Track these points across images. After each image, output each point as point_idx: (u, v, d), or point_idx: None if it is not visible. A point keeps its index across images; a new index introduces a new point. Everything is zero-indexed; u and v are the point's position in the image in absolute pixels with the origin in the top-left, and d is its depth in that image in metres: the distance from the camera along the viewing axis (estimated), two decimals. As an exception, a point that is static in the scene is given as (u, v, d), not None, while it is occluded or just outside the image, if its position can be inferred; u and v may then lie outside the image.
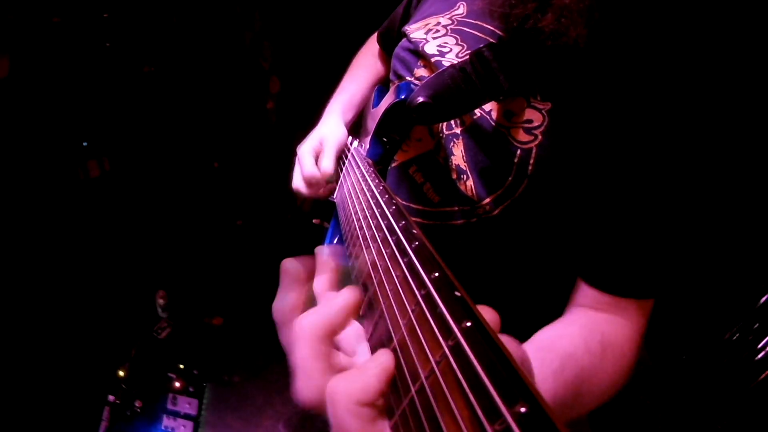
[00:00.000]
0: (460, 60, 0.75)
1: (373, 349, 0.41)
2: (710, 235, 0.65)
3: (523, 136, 0.68)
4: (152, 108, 2.64)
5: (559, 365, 0.61)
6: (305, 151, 0.99)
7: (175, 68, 2.67)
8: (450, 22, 0.84)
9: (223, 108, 2.94)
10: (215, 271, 2.87)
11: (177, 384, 2.35)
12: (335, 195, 0.94)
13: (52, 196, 2.21)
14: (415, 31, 0.89)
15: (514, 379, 0.24)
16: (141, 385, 2.30)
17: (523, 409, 0.22)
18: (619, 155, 0.64)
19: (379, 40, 1.22)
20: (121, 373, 2.28)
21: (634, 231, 0.66)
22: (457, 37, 0.81)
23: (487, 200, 0.72)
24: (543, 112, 0.67)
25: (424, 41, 0.85)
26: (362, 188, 0.64)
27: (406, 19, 1.03)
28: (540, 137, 0.67)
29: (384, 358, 0.35)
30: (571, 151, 0.66)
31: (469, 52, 0.74)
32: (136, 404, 2.22)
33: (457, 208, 0.77)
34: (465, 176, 0.75)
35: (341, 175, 0.93)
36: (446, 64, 0.77)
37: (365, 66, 1.22)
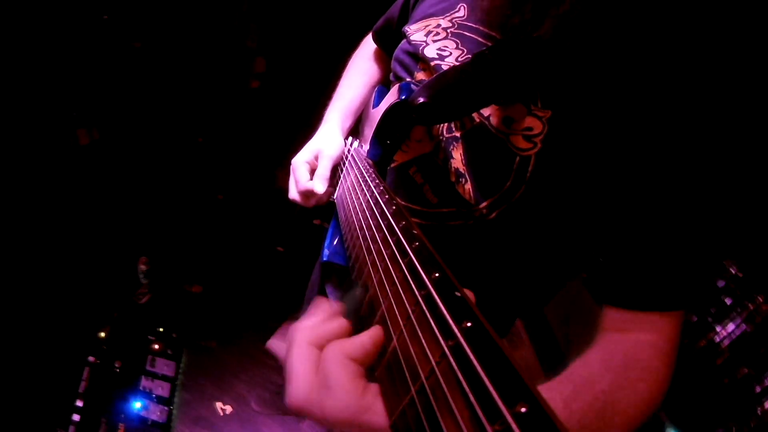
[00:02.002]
0: (460, 63, 0.73)
1: None
2: (720, 239, 0.60)
3: (522, 144, 0.65)
4: (142, 82, 2.56)
5: (573, 391, 0.56)
6: (300, 163, 0.94)
7: (163, 45, 2.58)
8: (450, 24, 0.80)
9: (209, 85, 2.86)
10: (196, 241, 2.83)
11: (156, 346, 2.31)
12: (335, 195, 0.91)
13: (42, 162, 2.13)
14: (415, 33, 0.84)
15: (514, 380, 0.23)
16: (121, 347, 2.25)
17: (523, 410, 0.21)
18: (621, 163, 0.60)
19: (376, 38, 1.15)
20: (102, 335, 2.22)
21: (643, 241, 0.61)
22: (458, 41, 0.77)
23: (484, 204, 0.70)
24: (543, 120, 0.64)
25: (424, 44, 0.81)
26: (362, 189, 0.62)
27: (405, 18, 0.98)
28: (539, 145, 0.64)
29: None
30: (570, 159, 0.63)
31: (469, 56, 0.72)
32: (116, 365, 2.18)
33: (454, 210, 0.75)
34: (464, 179, 0.72)
35: (341, 176, 0.90)
36: (446, 68, 0.74)
37: (361, 70, 1.15)
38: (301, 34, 2.54)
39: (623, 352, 0.61)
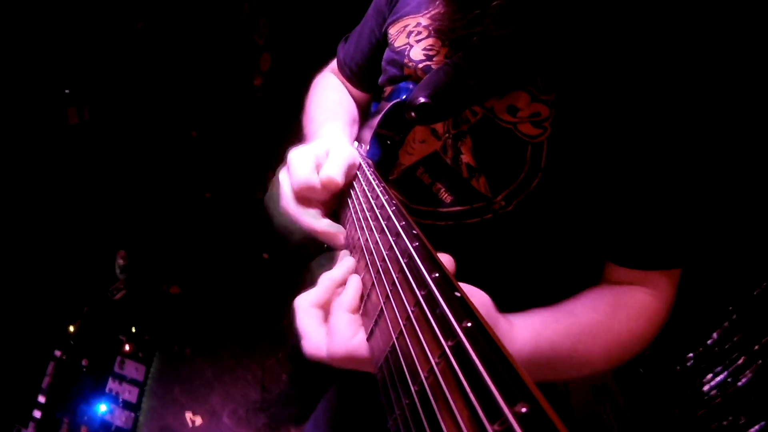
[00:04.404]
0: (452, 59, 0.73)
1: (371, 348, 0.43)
2: (721, 208, 0.67)
3: (531, 130, 0.67)
4: (140, 66, 2.56)
5: (552, 316, 0.64)
6: (302, 154, 0.68)
7: (167, 30, 2.60)
8: (431, 21, 0.80)
9: (210, 78, 2.87)
10: (178, 240, 2.80)
11: (127, 347, 2.26)
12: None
13: (24, 138, 2.11)
14: (397, 38, 0.85)
15: (515, 379, 0.24)
16: (90, 344, 2.19)
17: (524, 409, 0.22)
18: (628, 135, 0.63)
19: (345, 70, 1.08)
20: (71, 329, 2.17)
21: (651, 206, 0.66)
22: (443, 38, 0.77)
23: (501, 196, 0.71)
24: (548, 103, 0.65)
25: (408, 47, 0.82)
26: (362, 188, 0.63)
27: (381, 24, 0.95)
28: (549, 129, 0.66)
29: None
30: (581, 138, 0.65)
31: (457, 52, 0.73)
32: (83, 363, 2.13)
33: (471, 207, 0.75)
34: (477, 174, 0.73)
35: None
36: (437, 68, 0.75)
37: (340, 89, 1.09)
38: (311, 35, 2.55)
39: (614, 296, 0.70)
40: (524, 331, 0.58)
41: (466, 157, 0.74)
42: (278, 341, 2.52)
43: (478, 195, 0.74)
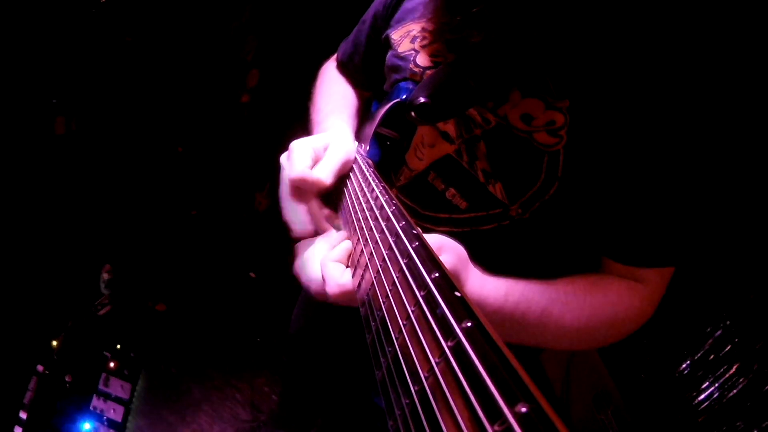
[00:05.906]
0: (450, 59, 0.75)
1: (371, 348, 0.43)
2: (716, 217, 0.69)
3: (547, 139, 0.67)
4: (129, 80, 2.56)
5: (528, 279, 0.65)
6: (302, 145, 0.72)
7: (156, 44, 2.61)
8: (434, 26, 0.80)
9: (198, 94, 2.87)
10: (165, 256, 2.78)
11: (112, 364, 2.22)
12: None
13: (8, 145, 2.11)
14: (401, 43, 0.85)
15: (515, 379, 0.24)
16: (74, 360, 2.16)
17: (523, 409, 0.22)
18: (634, 140, 0.64)
19: (343, 69, 1.13)
20: (55, 344, 2.14)
21: (649, 207, 0.68)
22: (443, 42, 0.78)
23: (518, 203, 0.72)
24: (563, 110, 0.65)
25: (414, 53, 0.82)
26: (362, 188, 0.63)
27: (379, 29, 0.96)
28: (565, 138, 0.66)
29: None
30: (597, 145, 0.65)
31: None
32: (66, 378, 2.09)
33: (487, 213, 0.75)
34: (493, 180, 0.73)
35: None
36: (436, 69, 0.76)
37: (342, 82, 1.12)
38: (300, 53, 2.55)
39: (596, 278, 0.71)
40: (497, 280, 0.60)
41: (481, 163, 0.74)
42: (267, 360, 2.49)
43: (495, 201, 0.74)
